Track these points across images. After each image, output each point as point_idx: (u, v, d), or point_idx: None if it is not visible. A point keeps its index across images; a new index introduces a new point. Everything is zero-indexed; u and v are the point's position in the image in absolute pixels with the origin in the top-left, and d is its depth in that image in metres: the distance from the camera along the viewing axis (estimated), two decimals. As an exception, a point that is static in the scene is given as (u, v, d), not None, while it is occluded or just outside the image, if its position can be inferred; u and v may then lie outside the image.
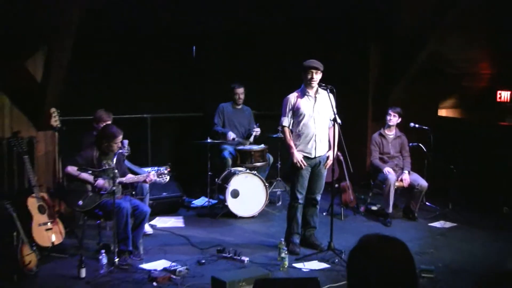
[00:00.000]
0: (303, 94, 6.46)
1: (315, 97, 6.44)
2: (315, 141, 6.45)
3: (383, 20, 9.10)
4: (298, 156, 6.42)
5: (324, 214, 7.79)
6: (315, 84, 6.36)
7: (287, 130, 6.54)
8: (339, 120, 6.36)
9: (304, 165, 6.44)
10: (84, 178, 6.17)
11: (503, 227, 7.58)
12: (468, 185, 8.58)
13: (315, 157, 6.50)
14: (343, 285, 5.42)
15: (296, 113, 6.46)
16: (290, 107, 6.49)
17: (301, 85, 6.50)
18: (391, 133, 8.14)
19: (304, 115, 6.42)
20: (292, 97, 6.51)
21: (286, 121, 6.53)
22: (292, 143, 6.48)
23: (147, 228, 6.98)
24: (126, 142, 7.11)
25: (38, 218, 6.12)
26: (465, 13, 8.23)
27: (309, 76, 6.32)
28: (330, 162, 6.60)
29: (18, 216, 5.72)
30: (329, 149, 6.61)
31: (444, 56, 9.52)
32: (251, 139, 8.66)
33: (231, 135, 8.48)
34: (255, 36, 9.23)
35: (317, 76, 6.33)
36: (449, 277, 5.85)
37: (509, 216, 8.04)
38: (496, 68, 9.52)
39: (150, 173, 6.43)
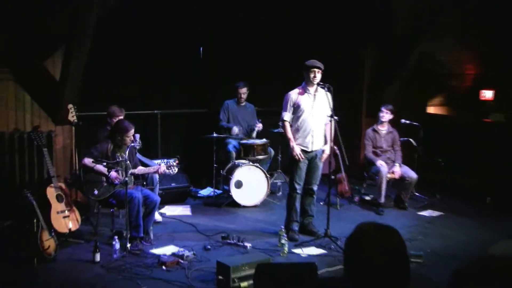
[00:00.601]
0: (304, 92, 6.44)
1: (315, 95, 6.42)
2: (312, 135, 6.44)
3: (378, 24, 9.07)
4: (297, 149, 6.41)
5: (321, 203, 7.78)
6: (316, 82, 6.33)
7: (287, 125, 6.51)
8: (335, 117, 6.35)
9: (302, 158, 6.43)
10: (99, 170, 6.15)
11: (486, 216, 7.58)
12: (455, 177, 8.56)
13: (312, 151, 6.48)
14: (338, 269, 5.42)
15: (296, 109, 6.44)
16: (292, 103, 6.46)
17: (302, 83, 6.47)
18: (383, 128, 8.12)
19: (304, 111, 6.40)
20: (294, 93, 6.48)
21: (287, 116, 6.50)
22: (291, 137, 6.46)
23: (157, 216, 6.96)
24: (138, 136, 7.11)
25: (56, 206, 6.10)
26: (453, 18, 8.22)
27: (312, 75, 6.29)
28: (325, 155, 6.59)
29: (38, 204, 5.72)
30: (325, 143, 6.59)
31: (434, 57, 9.48)
32: (254, 134, 8.64)
33: (236, 128, 8.46)
34: (257, 38, 9.19)
35: (319, 75, 6.31)
36: (436, 261, 5.85)
37: (492, 206, 8.03)
38: (480, 69, 9.50)
39: (160, 165, 6.42)
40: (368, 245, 1.97)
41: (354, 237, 2.04)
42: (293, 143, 6.44)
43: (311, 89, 6.41)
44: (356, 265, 1.99)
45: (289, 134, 6.48)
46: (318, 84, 6.37)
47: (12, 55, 7.13)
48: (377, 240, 1.98)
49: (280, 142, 8.45)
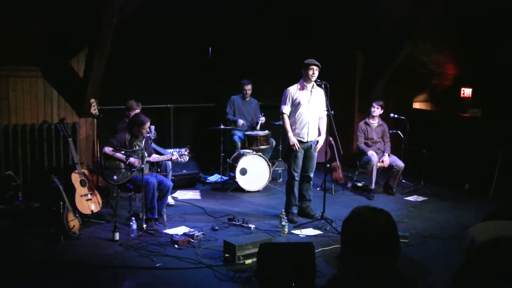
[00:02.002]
0: (302, 88, 6.38)
1: (311, 91, 6.36)
2: (308, 127, 6.39)
3: (369, 29, 9.02)
4: (294, 139, 6.37)
5: (318, 189, 7.73)
6: (314, 79, 6.26)
7: (286, 117, 6.45)
8: (331, 111, 6.30)
9: (298, 148, 6.38)
10: (118, 157, 6.13)
11: (464, 201, 7.56)
12: (437, 165, 8.51)
13: (307, 141, 6.44)
14: (333, 248, 5.40)
15: (294, 103, 6.38)
16: (290, 97, 6.40)
17: (300, 79, 6.41)
18: (374, 122, 8.07)
19: (301, 105, 6.34)
20: (292, 89, 6.42)
21: (286, 109, 6.44)
22: (289, 128, 6.41)
23: (170, 200, 6.94)
24: (153, 127, 7.06)
25: (80, 190, 6.09)
26: (434, 22, 8.17)
27: (311, 72, 6.23)
28: (319, 146, 6.55)
29: (64, 188, 5.74)
30: (319, 135, 6.55)
31: (418, 59, 9.43)
32: (258, 126, 8.60)
33: (241, 121, 8.43)
34: (260, 40, 9.14)
35: (317, 72, 6.24)
36: (420, 241, 5.85)
37: (470, 191, 7.97)
38: (459, 69, 9.45)
39: (173, 154, 6.39)
40: (363, 226, 1.96)
41: (351, 219, 2.02)
42: (290, 134, 6.39)
43: (309, 86, 6.35)
44: (353, 243, 1.97)
45: (287, 126, 6.43)
46: (315, 81, 6.31)
47: (42, 55, 7.13)
48: (371, 220, 1.96)
49: (281, 134, 8.39)
